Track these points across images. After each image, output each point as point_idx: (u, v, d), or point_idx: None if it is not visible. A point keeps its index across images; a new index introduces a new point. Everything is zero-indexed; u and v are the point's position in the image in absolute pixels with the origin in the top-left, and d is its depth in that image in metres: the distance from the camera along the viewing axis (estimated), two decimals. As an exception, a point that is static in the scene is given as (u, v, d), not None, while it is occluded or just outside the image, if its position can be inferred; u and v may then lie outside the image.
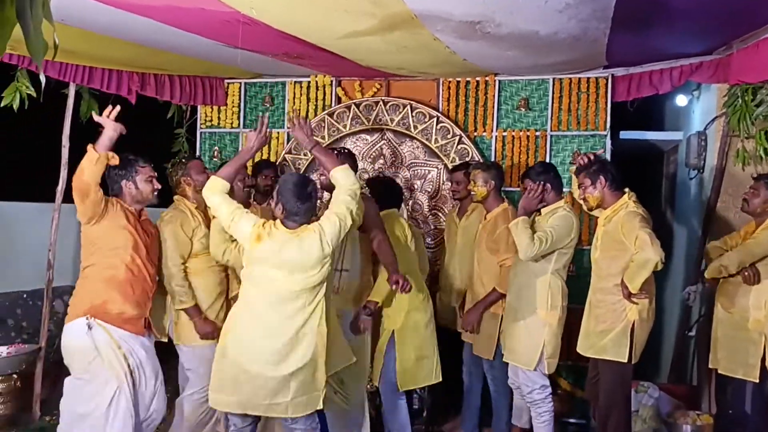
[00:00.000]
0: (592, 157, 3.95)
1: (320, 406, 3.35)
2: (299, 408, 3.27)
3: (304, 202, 3.23)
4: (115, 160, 3.41)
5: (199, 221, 3.93)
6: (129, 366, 3.46)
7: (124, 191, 3.59)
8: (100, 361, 3.40)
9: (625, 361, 3.72)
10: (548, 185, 3.99)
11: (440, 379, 4.18)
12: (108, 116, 3.43)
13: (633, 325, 3.71)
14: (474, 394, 4.60)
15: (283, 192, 3.25)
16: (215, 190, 3.36)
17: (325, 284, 3.30)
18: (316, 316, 3.26)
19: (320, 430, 3.52)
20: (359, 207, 3.47)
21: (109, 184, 3.60)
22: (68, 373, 3.57)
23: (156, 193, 3.70)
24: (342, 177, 3.42)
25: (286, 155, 5.67)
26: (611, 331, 3.76)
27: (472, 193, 4.43)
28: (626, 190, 3.84)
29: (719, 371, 4.04)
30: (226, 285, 4.04)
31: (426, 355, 4.11)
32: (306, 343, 3.23)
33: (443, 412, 4.99)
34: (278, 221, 3.27)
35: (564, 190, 4.31)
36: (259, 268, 3.26)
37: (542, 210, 4.06)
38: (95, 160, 3.33)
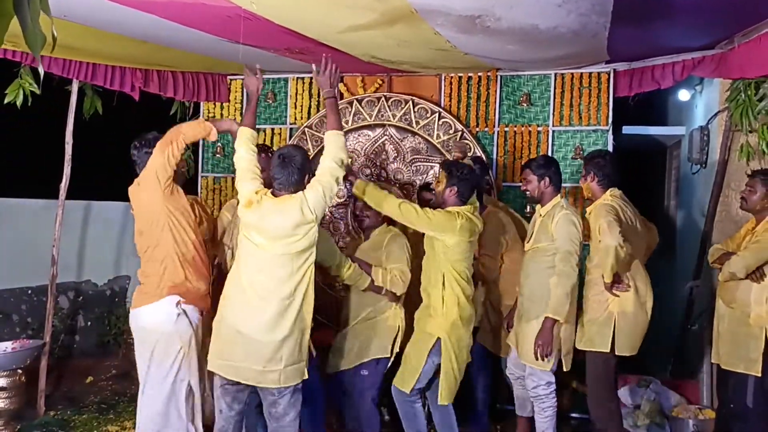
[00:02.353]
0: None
1: (305, 376, 3.44)
2: (290, 377, 3.36)
3: (283, 169, 3.37)
4: (214, 137, 3.67)
5: None
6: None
7: None
8: (186, 349, 3.53)
9: (606, 350, 3.89)
10: (547, 179, 4.01)
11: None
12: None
13: (615, 317, 3.90)
14: (482, 390, 4.62)
15: (271, 161, 3.46)
16: (245, 139, 3.56)
17: (313, 252, 3.40)
18: (305, 283, 3.37)
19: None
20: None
21: (142, 164, 3.60)
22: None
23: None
24: (332, 142, 3.51)
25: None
26: (595, 322, 3.95)
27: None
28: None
29: (721, 366, 4.04)
30: None
31: (461, 369, 3.92)
32: (295, 309, 3.34)
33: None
34: (270, 191, 3.43)
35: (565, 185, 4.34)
36: (247, 232, 3.39)
37: (542, 209, 4.06)
38: (200, 125, 3.63)
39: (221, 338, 3.38)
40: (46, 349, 4.91)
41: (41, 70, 1.50)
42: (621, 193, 4.08)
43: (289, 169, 3.37)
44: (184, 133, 3.56)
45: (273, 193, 3.41)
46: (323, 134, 5.48)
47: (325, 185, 3.37)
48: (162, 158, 3.45)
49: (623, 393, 4.62)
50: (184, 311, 3.50)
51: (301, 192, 3.36)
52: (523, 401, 4.30)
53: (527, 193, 4.12)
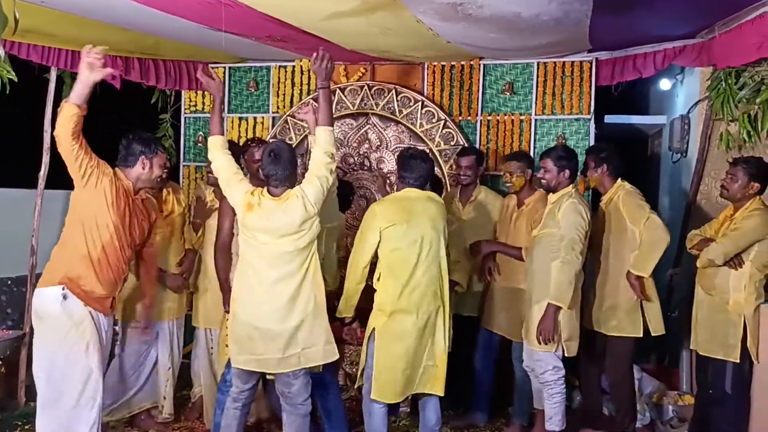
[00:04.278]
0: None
1: (336, 357, 3.56)
2: (310, 359, 3.50)
3: (271, 164, 3.45)
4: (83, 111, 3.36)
5: None
6: (99, 334, 3.46)
7: (137, 166, 3.57)
8: (75, 332, 3.39)
9: (639, 335, 4.21)
10: (567, 171, 4.02)
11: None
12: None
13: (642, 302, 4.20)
14: (486, 379, 4.65)
15: (262, 158, 3.56)
16: (217, 147, 3.63)
17: (316, 243, 3.50)
18: (311, 271, 3.49)
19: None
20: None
21: (123, 153, 3.58)
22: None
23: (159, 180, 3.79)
24: (324, 137, 3.60)
25: (270, 140, 5.64)
26: (621, 308, 4.21)
27: (508, 184, 4.51)
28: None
29: (699, 352, 4.07)
30: None
31: (416, 366, 3.69)
32: (305, 296, 3.47)
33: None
34: (266, 189, 3.51)
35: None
36: (251, 233, 3.49)
37: (553, 196, 4.06)
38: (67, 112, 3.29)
39: (237, 336, 3.52)
40: (26, 339, 4.86)
41: (1, 52, 1.48)
42: None
43: (281, 164, 3.45)
44: None
45: (269, 191, 3.49)
46: (304, 124, 5.55)
47: (321, 178, 3.49)
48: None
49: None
50: (65, 297, 3.38)
51: (298, 188, 3.46)
52: (540, 394, 4.27)
53: (543, 181, 4.09)
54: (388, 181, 5.48)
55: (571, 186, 4.04)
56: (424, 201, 3.77)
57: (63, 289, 3.38)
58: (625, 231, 4.14)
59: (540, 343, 3.90)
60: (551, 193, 4.07)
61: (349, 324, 4.11)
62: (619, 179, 4.27)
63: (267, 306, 3.45)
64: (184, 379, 4.95)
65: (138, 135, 3.64)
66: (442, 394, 3.77)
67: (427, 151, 5.10)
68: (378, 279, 3.73)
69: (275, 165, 3.45)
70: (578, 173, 4.24)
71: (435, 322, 3.71)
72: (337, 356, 3.57)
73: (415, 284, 3.65)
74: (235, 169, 3.60)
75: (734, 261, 3.86)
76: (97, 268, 3.44)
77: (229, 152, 3.65)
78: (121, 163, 3.59)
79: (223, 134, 3.71)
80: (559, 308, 3.87)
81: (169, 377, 4.42)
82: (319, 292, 3.51)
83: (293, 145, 5.55)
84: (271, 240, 3.44)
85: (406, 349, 3.65)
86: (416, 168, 3.76)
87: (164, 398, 4.43)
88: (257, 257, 3.48)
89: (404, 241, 3.64)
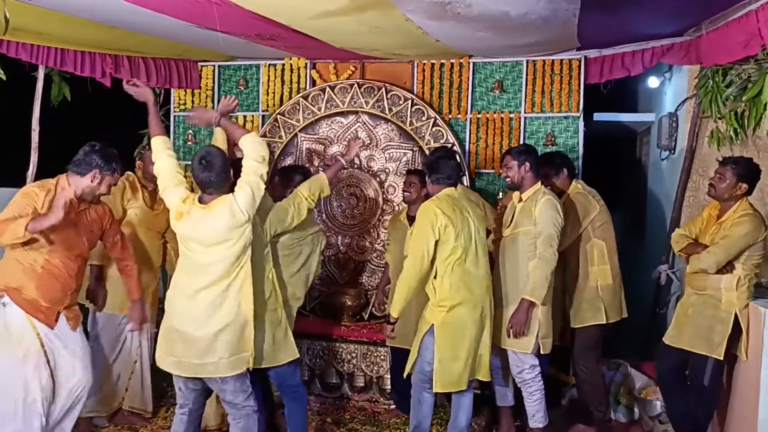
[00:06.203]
0: None
1: (249, 366, 3.48)
2: (227, 368, 3.41)
3: (203, 171, 3.33)
4: None
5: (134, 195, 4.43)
6: (43, 346, 3.47)
7: (86, 177, 3.54)
8: (12, 341, 3.41)
9: (603, 322, 4.42)
10: (527, 164, 4.01)
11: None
12: None
13: (599, 290, 4.45)
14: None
15: (193, 164, 3.39)
16: (158, 149, 3.55)
17: (248, 251, 3.41)
18: (239, 279, 3.40)
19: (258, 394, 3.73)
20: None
21: (80, 158, 3.55)
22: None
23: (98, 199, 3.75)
24: (249, 143, 3.49)
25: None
26: (583, 299, 4.44)
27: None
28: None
29: (682, 347, 4.06)
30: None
31: (462, 357, 3.81)
32: (228, 304, 3.38)
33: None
34: (197, 197, 3.42)
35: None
36: (184, 243, 3.43)
37: (523, 194, 4.05)
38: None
39: (164, 337, 3.50)
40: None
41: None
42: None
43: (212, 171, 3.33)
44: None
45: (200, 199, 3.40)
46: (296, 121, 5.56)
47: (252, 184, 3.37)
48: None
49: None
50: (4, 304, 3.42)
51: (229, 195, 3.35)
52: (504, 391, 4.32)
53: (507, 179, 4.09)
54: (379, 180, 5.50)
55: (539, 183, 4.05)
56: (466, 199, 3.97)
57: (3, 296, 3.39)
58: (580, 226, 4.37)
59: (509, 336, 3.94)
60: (520, 192, 4.07)
61: (393, 324, 3.95)
62: (574, 180, 4.53)
63: (189, 309, 3.39)
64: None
65: (103, 148, 3.58)
66: (489, 379, 3.99)
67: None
68: (435, 277, 3.82)
69: (206, 172, 3.33)
70: (540, 169, 4.17)
71: (488, 314, 3.90)
72: (249, 365, 3.46)
73: (470, 279, 3.81)
74: (174, 172, 3.49)
75: (726, 268, 3.84)
76: (39, 281, 3.45)
77: (173, 153, 3.57)
78: (72, 167, 3.55)
79: (163, 134, 3.63)
80: (532, 304, 3.90)
81: (147, 373, 4.50)
82: (245, 302, 3.41)
83: (283, 143, 5.58)
84: (202, 249, 3.36)
85: (468, 341, 3.81)
86: (447, 167, 3.90)
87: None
88: (189, 265, 3.42)
89: (460, 239, 3.77)
